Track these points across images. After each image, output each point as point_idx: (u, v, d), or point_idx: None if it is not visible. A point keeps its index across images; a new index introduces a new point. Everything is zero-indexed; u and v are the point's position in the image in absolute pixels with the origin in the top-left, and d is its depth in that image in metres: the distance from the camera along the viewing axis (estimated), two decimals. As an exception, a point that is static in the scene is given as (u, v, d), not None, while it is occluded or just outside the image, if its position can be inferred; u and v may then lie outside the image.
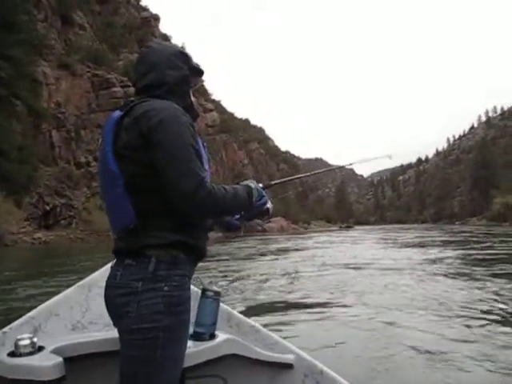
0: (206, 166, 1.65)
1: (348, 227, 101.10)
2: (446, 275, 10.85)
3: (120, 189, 1.57)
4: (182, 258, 1.60)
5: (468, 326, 5.82)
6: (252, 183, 1.76)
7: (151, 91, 1.70)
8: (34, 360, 1.72)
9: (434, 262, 14.23)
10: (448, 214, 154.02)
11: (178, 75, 1.74)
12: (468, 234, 35.33)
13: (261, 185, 1.84)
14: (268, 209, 1.87)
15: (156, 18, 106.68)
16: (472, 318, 6.30)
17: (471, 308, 6.90)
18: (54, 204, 42.41)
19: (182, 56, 1.79)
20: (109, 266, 1.80)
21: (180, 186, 1.49)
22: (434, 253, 17.92)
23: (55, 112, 51.92)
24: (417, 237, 34.91)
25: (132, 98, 1.70)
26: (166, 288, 1.53)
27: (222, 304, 2.19)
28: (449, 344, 5.03)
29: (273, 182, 2.10)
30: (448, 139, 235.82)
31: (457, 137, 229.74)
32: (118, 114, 1.64)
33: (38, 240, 34.44)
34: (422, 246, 23.27)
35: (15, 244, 30.62)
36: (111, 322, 1.65)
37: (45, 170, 45.48)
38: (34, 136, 44.80)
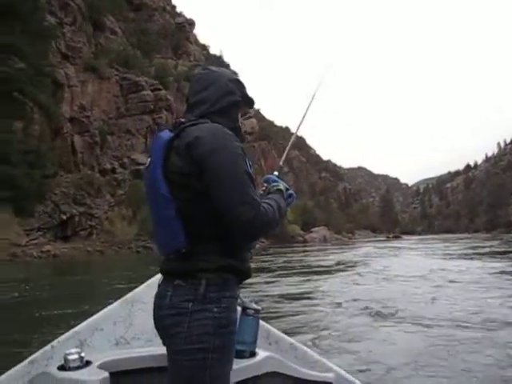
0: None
1: (396, 237, 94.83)
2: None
3: (172, 212, 1.58)
4: (230, 281, 1.63)
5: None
6: (279, 184, 1.80)
7: (201, 108, 1.73)
8: (83, 374, 1.81)
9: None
10: (504, 223, 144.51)
11: (229, 99, 1.76)
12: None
13: (276, 173, 1.89)
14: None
15: (191, 23, 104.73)
16: None
17: None
18: (71, 213, 38.82)
19: (238, 84, 1.82)
20: (151, 281, 2.05)
21: (239, 214, 1.52)
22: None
23: (79, 116, 48.83)
24: (480, 247, 32.63)
25: (182, 120, 1.70)
26: (215, 309, 1.56)
27: (260, 321, 2.14)
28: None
29: (281, 163, 2.04)
30: (498, 144, 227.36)
31: (508, 141, 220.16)
32: (167, 134, 1.65)
33: (47, 253, 30.64)
34: (492, 256, 21.52)
35: (14, 258, 26.58)
36: (153, 337, 1.72)
37: (65, 176, 42.06)
38: (52, 140, 41.39)
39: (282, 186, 1.78)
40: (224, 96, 1.74)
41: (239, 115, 1.83)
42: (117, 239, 39.26)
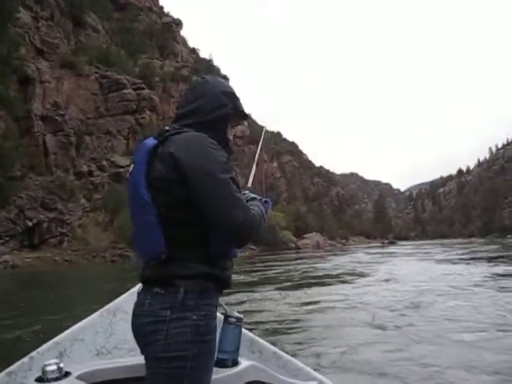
0: None
1: (391, 243, 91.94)
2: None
3: (152, 218, 1.57)
4: (209, 288, 1.62)
5: None
6: (249, 194, 1.80)
7: (189, 119, 1.72)
8: None
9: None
10: (498, 227, 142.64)
11: (219, 112, 1.74)
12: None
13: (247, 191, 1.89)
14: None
15: (177, 23, 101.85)
16: None
17: None
18: (38, 219, 35.09)
19: (231, 96, 1.80)
20: (133, 290, 2.01)
21: (232, 217, 1.51)
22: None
23: (52, 114, 45.16)
24: (480, 251, 31.24)
25: (167, 127, 1.71)
26: (194, 317, 1.55)
27: (244, 330, 2.12)
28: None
29: (249, 185, 2.08)
30: (490, 149, 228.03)
31: (500, 146, 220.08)
32: (152, 141, 1.65)
33: (4, 264, 27.00)
34: (495, 261, 20.61)
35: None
36: (135, 347, 1.68)
37: (34, 179, 38.40)
38: (20, 139, 37.75)
39: (253, 194, 1.77)
40: (215, 109, 1.71)
41: (228, 127, 1.78)
42: (90, 247, 35.62)
